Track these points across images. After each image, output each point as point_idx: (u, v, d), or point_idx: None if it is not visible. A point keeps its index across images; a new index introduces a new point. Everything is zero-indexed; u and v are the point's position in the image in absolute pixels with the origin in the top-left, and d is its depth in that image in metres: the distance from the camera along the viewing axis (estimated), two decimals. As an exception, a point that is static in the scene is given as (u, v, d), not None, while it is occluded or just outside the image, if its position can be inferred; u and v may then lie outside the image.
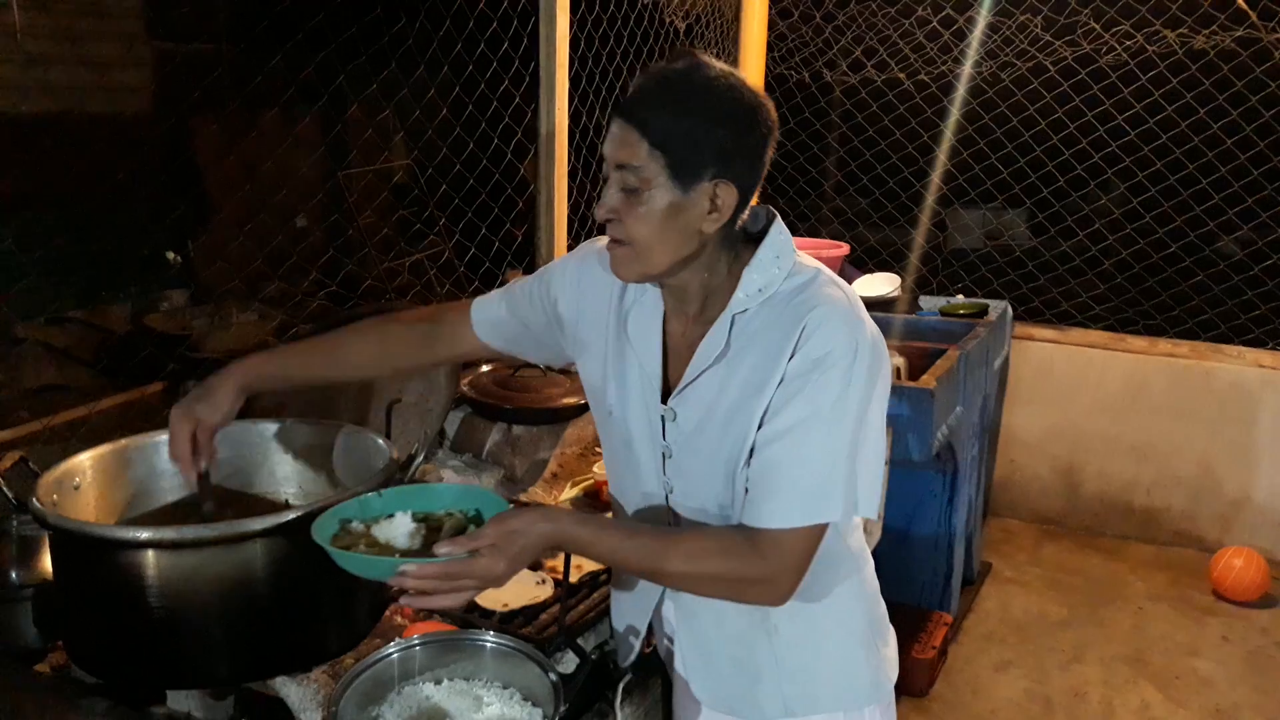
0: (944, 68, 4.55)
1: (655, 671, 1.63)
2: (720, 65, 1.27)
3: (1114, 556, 4.28)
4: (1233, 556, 3.90)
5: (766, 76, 4.45)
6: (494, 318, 1.56)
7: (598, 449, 2.63)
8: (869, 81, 4.70)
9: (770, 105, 1.29)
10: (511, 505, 1.32)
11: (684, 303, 1.37)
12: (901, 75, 4.60)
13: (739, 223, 1.32)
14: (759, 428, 1.28)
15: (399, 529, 1.30)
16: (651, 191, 1.25)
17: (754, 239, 1.35)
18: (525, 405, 2.55)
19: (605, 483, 2.26)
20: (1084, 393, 4.46)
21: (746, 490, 1.30)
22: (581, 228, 3.58)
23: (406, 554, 1.26)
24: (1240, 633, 3.68)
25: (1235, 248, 4.77)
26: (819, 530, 1.28)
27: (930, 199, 4.90)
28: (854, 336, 1.26)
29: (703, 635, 1.47)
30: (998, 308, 4.13)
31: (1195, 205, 4.35)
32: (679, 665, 1.51)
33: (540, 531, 1.25)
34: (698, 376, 1.35)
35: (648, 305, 1.42)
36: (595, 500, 2.28)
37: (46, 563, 1.77)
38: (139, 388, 3.23)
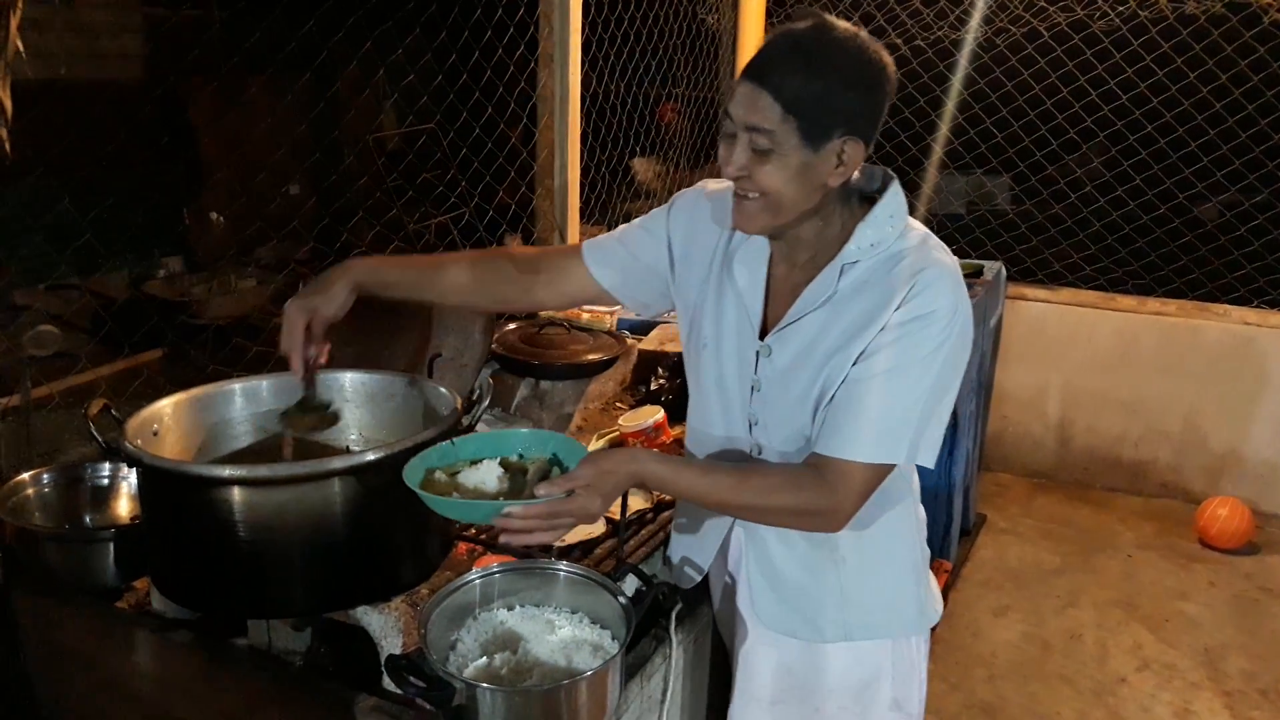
0: (940, 34, 4.63)
1: (703, 600, 1.74)
2: (844, 24, 1.31)
3: (1103, 508, 4.43)
4: (1218, 506, 4.06)
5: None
6: (608, 254, 1.60)
7: (619, 404, 2.73)
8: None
9: (891, 63, 1.33)
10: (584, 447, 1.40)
11: (794, 250, 1.44)
12: (898, 40, 4.67)
13: (855, 178, 1.38)
14: (853, 365, 1.36)
15: (487, 475, 1.37)
16: (783, 152, 1.29)
17: (867, 197, 1.42)
18: (551, 361, 2.64)
19: (630, 435, 2.36)
20: (1075, 350, 4.59)
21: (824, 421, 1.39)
22: (590, 191, 3.66)
23: (499, 497, 1.34)
24: (1225, 578, 3.85)
25: (1222, 209, 4.89)
26: (882, 471, 1.37)
27: (930, 164, 4.98)
28: (956, 301, 1.35)
29: (770, 564, 1.56)
30: (992, 268, 4.20)
31: (1184, 168, 4.47)
32: (743, 592, 1.60)
33: (628, 470, 1.34)
34: (801, 317, 1.42)
35: (754, 249, 1.48)
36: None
37: (118, 508, 1.87)
38: (140, 354, 3.28)
